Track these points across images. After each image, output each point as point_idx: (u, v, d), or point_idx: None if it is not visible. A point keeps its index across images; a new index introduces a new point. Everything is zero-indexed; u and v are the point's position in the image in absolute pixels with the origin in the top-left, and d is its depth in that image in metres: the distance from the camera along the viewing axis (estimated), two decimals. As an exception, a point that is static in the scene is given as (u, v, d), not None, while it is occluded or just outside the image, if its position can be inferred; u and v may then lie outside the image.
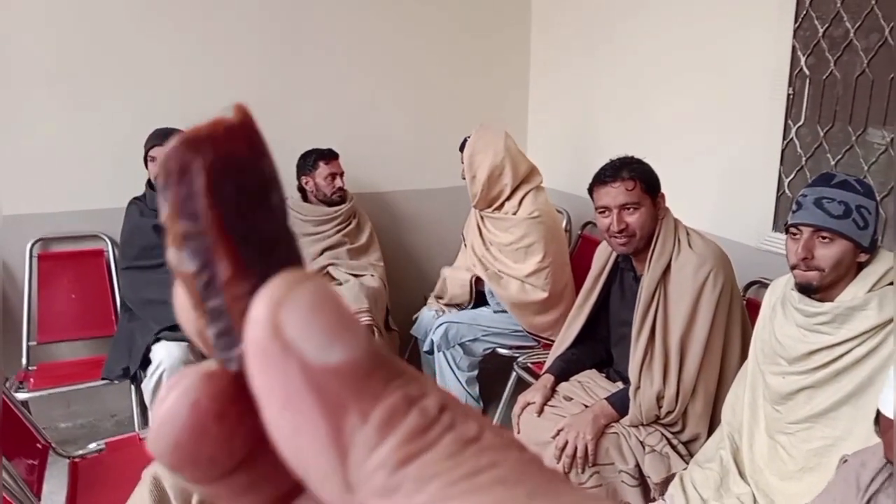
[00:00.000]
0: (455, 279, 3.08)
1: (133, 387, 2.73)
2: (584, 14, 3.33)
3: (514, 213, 2.91)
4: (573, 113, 3.48)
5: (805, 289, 1.68)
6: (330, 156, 3.09)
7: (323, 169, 3.07)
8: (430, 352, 2.98)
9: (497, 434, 0.18)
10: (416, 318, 3.15)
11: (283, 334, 0.18)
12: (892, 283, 1.65)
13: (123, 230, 2.90)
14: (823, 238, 1.61)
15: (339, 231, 3.14)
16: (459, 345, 2.90)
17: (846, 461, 1.40)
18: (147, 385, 2.62)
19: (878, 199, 2.11)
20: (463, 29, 3.59)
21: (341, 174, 3.12)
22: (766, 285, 2.34)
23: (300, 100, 3.31)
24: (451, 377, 2.91)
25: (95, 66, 2.92)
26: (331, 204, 3.12)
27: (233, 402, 0.20)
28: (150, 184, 2.89)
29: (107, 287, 3.01)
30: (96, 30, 2.90)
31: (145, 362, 2.64)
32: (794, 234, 1.66)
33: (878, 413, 1.19)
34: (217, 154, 0.21)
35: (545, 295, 2.87)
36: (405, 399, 0.18)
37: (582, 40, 3.36)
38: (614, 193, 2.07)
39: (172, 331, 2.68)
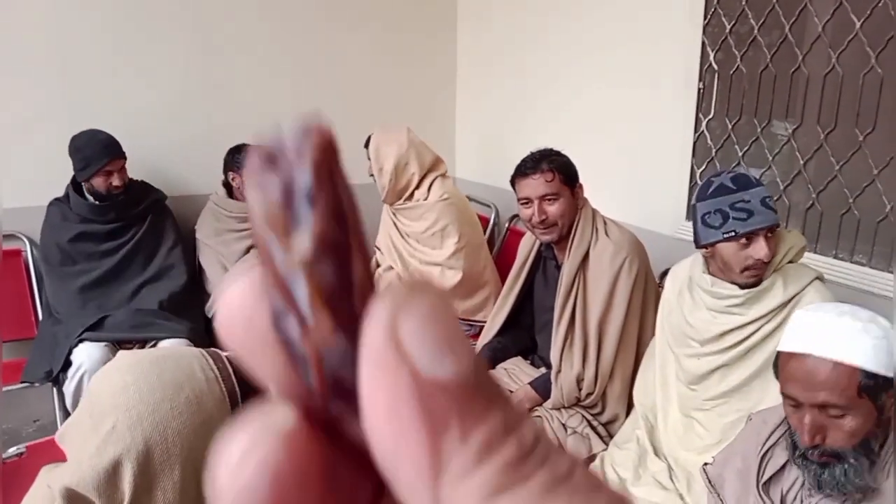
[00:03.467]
0: None
1: (55, 390, 2.66)
2: (508, 12, 3.39)
3: (425, 199, 2.95)
4: (499, 109, 3.54)
5: (754, 285, 1.73)
6: None
7: (236, 170, 3.04)
8: None
9: (587, 474, 0.18)
10: None
11: (400, 340, 0.18)
12: (791, 262, 1.75)
13: (44, 233, 2.83)
14: (770, 234, 1.69)
15: None
16: None
17: (751, 419, 1.48)
18: (68, 387, 2.57)
19: (783, 187, 2.24)
20: (390, 26, 3.62)
21: None
22: (681, 272, 2.44)
23: (224, 95, 3.29)
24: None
25: (12, 60, 2.84)
26: None
27: (316, 466, 0.19)
28: (74, 186, 2.82)
29: (26, 288, 2.92)
30: (18, 23, 2.83)
31: (66, 364, 2.59)
32: (746, 241, 1.68)
33: (777, 355, 1.27)
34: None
35: (460, 275, 2.91)
36: (505, 425, 0.18)
37: (506, 38, 3.43)
38: (534, 185, 2.13)
39: (94, 333, 2.64)
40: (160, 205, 3.02)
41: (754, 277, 1.71)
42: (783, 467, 1.35)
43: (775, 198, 2.26)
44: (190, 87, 3.21)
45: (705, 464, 1.53)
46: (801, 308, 1.66)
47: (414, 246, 3.01)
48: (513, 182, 2.21)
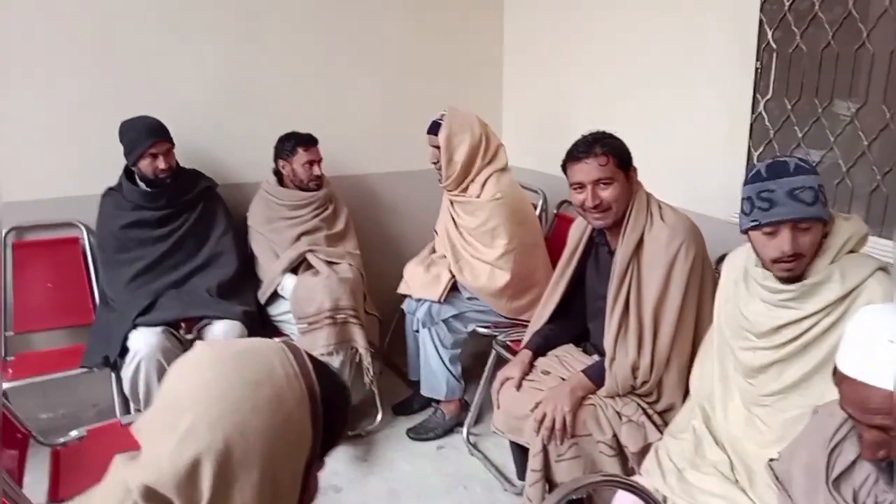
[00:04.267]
0: (415, 276, 3.11)
1: (113, 375, 2.73)
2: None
3: (478, 197, 2.91)
4: (546, 93, 3.50)
5: (792, 280, 1.66)
6: (309, 142, 3.08)
7: (302, 155, 3.06)
8: (419, 330, 3.01)
9: None
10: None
11: None
12: (851, 252, 1.67)
13: (99, 222, 2.90)
14: (803, 228, 1.60)
15: (315, 216, 3.14)
16: (443, 321, 2.92)
17: (817, 412, 1.44)
18: (126, 373, 2.62)
19: (845, 169, 2.16)
20: (437, 12, 3.60)
21: (319, 161, 3.11)
22: (737, 257, 2.38)
23: (275, 83, 3.32)
24: (434, 355, 2.94)
25: (66, 53, 2.89)
26: (307, 190, 3.12)
27: None
28: (127, 174, 2.87)
29: (83, 275, 2.99)
30: (67, 19, 2.87)
31: (123, 350, 2.64)
32: (771, 232, 1.63)
33: (835, 366, 1.22)
34: None
35: (508, 277, 2.88)
36: None
37: (553, 21, 3.38)
38: (588, 169, 2.09)
39: (146, 316, 2.69)
40: (211, 192, 3.06)
41: (786, 272, 1.64)
42: (853, 463, 1.30)
43: (836, 181, 2.20)
44: (239, 77, 3.24)
45: (771, 459, 1.48)
46: (863, 300, 1.60)
47: (467, 240, 2.99)
48: (564, 167, 2.17)
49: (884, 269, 1.63)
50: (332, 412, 0.89)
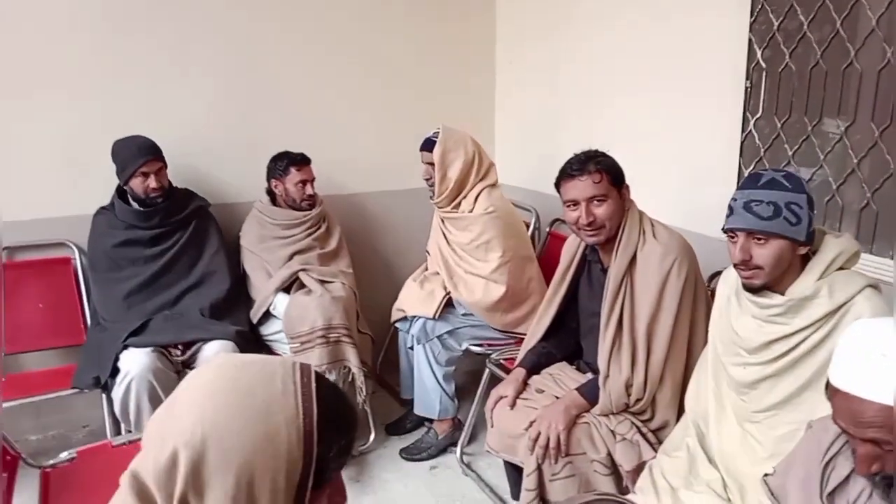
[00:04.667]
0: (409, 293, 3.10)
1: (104, 396, 2.70)
2: (546, 12, 3.37)
3: (470, 211, 2.93)
4: (539, 113, 3.52)
5: (750, 288, 1.71)
6: (302, 161, 3.08)
7: (294, 175, 3.07)
8: (413, 347, 3.00)
9: None
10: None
11: None
12: (840, 269, 1.68)
13: (91, 241, 2.89)
14: (759, 240, 1.64)
15: (308, 235, 3.13)
16: (437, 338, 2.92)
17: (811, 427, 1.43)
18: (116, 393, 2.60)
19: (835, 186, 2.18)
20: (429, 32, 3.62)
21: (312, 181, 3.11)
22: (729, 275, 2.38)
23: (267, 102, 3.32)
24: (428, 372, 2.92)
25: (61, 74, 2.90)
26: (300, 209, 3.12)
27: None
28: (119, 193, 2.87)
29: (75, 295, 2.97)
30: (62, 40, 2.88)
31: (115, 371, 2.62)
32: (732, 238, 1.70)
33: (828, 381, 1.23)
34: None
35: (503, 290, 2.88)
36: None
37: (545, 42, 3.41)
38: (582, 187, 2.10)
39: (138, 337, 2.68)
40: (204, 211, 3.06)
41: (745, 279, 1.70)
42: (848, 477, 1.30)
43: (826, 198, 2.21)
44: (232, 97, 3.24)
45: (766, 475, 1.48)
46: (852, 316, 1.61)
47: (460, 255, 2.99)
48: (558, 184, 2.18)
49: (873, 286, 1.64)
50: (330, 436, 0.87)
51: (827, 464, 1.32)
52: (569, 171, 2.13)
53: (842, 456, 1.32)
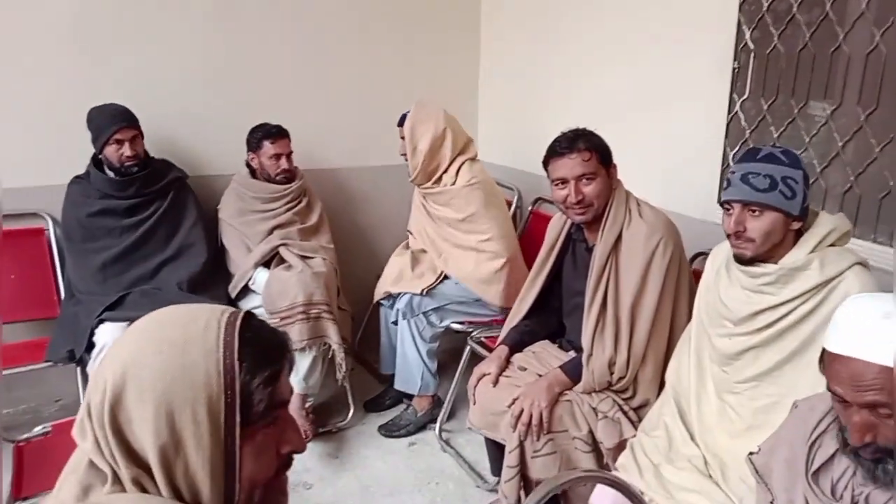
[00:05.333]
0: (395, 271, 3.09)
1: (79, 370, 2.66)
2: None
3: (453, 184, 2.92)
4: (522, 90, 3.50)
5: (740, 259, 1.74)
6: (277, 134, 3.02)
7: (268, 148, 3.01)
8: (397, 322, 2.98)
9: None
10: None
11: None
12: (832, 245, 1.71)
13: (65, 211, 2.82)
14: (753, 211, 1.67)
15: (289, 209, 3.09)
16: (423, 314, 2.90)
17: (797, 406, 1.45)
18: (91, 367, 2.55)
19: (819, 169, 2.19)
20: (414, 7, 3.57)
21: (288, 154, 3.06)
22: (711, 256, 2.40)
23: (248, 74, 3.26)
24: (412, 348, 2.91)
25: (35, 41, 2.81)
26: (278, 183, 3.07)
27: None
28: (95, 162, 2.81)
29: (48, 267, 2.91)
30: (35, 6, 2.79)
31: (90, 345, 2.57)
32: (728, 210, 1.72)
33: (823, 351, 1.24)
34: None
35: (503, 260, 2.89)
36: None
37: (530, 16, 3.38)
38: (571, 165, 2.09)
39: (114, 311, 2.63)
40: (182, 182, 3.01)
41: (737, 249, 1.73)
42: (833, 456, 1.31)
43: (811, 181, 2.22)
44: (212, 69, 3.18)
45: (751, 453, 1.50)
46: (840, 292, 1.64)
47: (446, 231, 2.98)
48: (546, 163, 2.17)
49: (862, 263, 1.67)
50: (252, 367, 0.87)
51: (813, 443, 1.33)
52: (557, 150, 2.12)
53: (827, 435, 1.33)
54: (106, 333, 2.56)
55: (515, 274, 2.92)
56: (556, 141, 2.16)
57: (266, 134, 3.01)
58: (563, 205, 2.15)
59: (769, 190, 1.64)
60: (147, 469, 0.84)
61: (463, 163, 2.93)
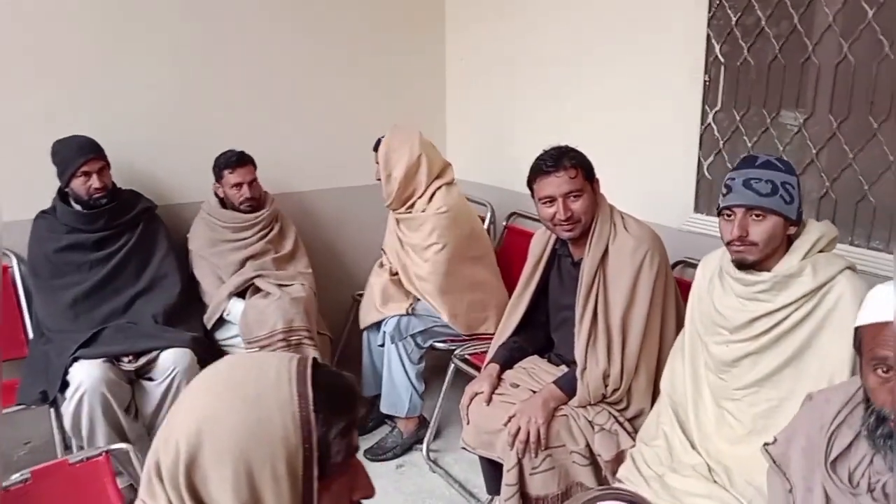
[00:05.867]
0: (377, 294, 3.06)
1: (52, 411, 2.55)
2: (498, 6, 3.37)
3: (423, 211, 2.91)
4: (491, 106, 3.52)
5: (742, 264, 1.77)
6: (237, 163, 2.93)
7: (228, 177, 2.95)
8: (383, 344, 2.95)
9: None
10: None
11: None
12: (821, 251, 1.76)
13: (31, 247, 2.72)
14: (756, 216, 1.71)
15: (261, 238, 3.03)
16: (411, 336, 2.88)
17: (812, 398, 1.48)
18: (67, 408, 2.45)
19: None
20: (379, 26, 3.56)
21: (251, 182, 2.97)
22: (690, 264, 2.46)
23: (214, 99, 3.20)
24: (400, 371, 2.89)
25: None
26: (244, 212, 3.00)
27: None
28: (61, 196, 2.72)
29: (14, 306, 2.79)
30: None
31: (64, 385, 2.48)
32: (728, 216, 1.75)
33: (857, 331, 1.27)
34: None
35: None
36: None
37: (498, 32, 3.40)
38: (558, 182, 2.11)
39: (89, 348, 2.55)
40: (151, 213, 2.93)
41: (736, 254, 1.76)
42: (850, 445, 1.35)
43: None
44: (177, 94, 3.11)
45: (766, 444, 1.52)
46: (833, 296, 1.69)
47: (411, 257, 2.97)
48: (531, 181, 2.18)
49: (851, 268, 1.73)
50: (328, 418, 0.86)
51: (832, 433, 1.37)
52: (543, 168, 2.14)
53: (845, 425, 1.37)
54: (81, 372, 2.46)
55: (476, 302, 2.95)
56: (540, 159, 2.17)
57: (226, 163, 2.94)
58: (551, 222, 2.17)
59: (771, 195, 1.69)
60: None
61: (438, 188, 2.91)
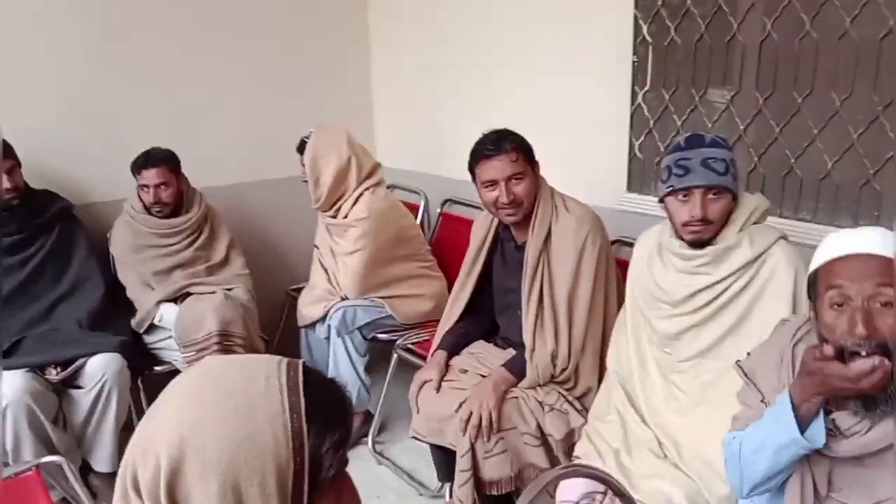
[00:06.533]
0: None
1: (-31, 427, 2.40)
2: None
3: (345, 217, 2.86)
4: (420, 93, 3.48)
5: (698, 244, 1.79)
6: (143, 165, 2.74)
7: (138, 180, 2.78)
8: (329, 337, 2.89)
9: None
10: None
11: None
12: (756, 223, 1.82)
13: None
14: (714, 195, 1.74)
15: (190, 244, 2.89)
16: (358, 329, 2.83)
17: (784, 323, 1.54)
18: (-9, 422, 2.32)
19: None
20: (300, 14, 3.47)
21: (159, 185, 2.76)
22: (626, 243, 2.50)
23: (130, 91, 3.06)
24: (347, 365, 2.83)
25: None
26: (157, 216, 2.84)
27: None
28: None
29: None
30: None
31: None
32: (684, 197, 1.76)
33: (814, 273, 1.35)
34: None
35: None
36: None
37: (422, 18, 3.37)
38: (500, 166, 2.11)
39: (10, 359, 2.40)
40: (68, 213, 2.79)
41: (695, 234, 1.78)
42: None
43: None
44: (92, 88, 2.96)
45: (738, 361, 1.57)
46: (769, 265, 1.76)
47: (337, 263, 2.93)
48: (472, 166, 2.17)
49: (784, 237, 1.80)
50: (320, 430, 0.80)
51: (795, 345, 1.43)
52: (484, 152, 2.13)
53: (802, 343, 1.43)
54: (2, 383, 2.32)
55: (388, 281, 2.94)
56: (480, 143, 2.16)
57: (133, 166, 2.76)
58: (494, 206, 2.16)
59: (726, 173, 1.73)
60: None
61: (364, 192, 2.85)
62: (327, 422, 0.81)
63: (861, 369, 1.19)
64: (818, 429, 1.30)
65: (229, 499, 0.74)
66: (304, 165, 2.85)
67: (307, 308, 2.98)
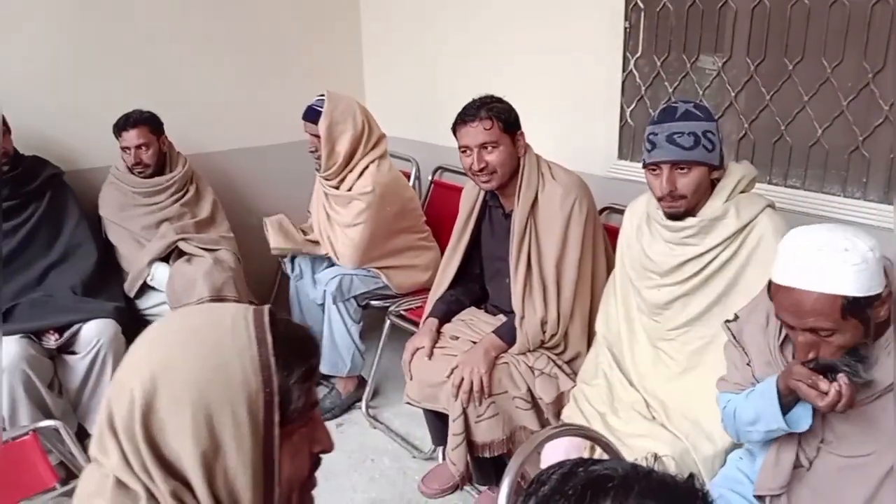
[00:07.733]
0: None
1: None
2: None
3: (349, 190, 2.84)
4: (411, 59, 3.46)
5: (674, 217, 1.82)
6: (123, 127, 2.77)
7: (119, 142, 2.81)
8: (323, 304, 2.89)
9: None
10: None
11: None
12: (743, 192, 1.83)
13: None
14: (682, 169, 1.75)
15: (175, 201, 2.92)
16: (354, 297, 2.85)
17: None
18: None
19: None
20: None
21: (140, 146, 2.78)
22: (617, 210, 2.51)
23: (117, 56, 3.03)
24: (342, 331, 2.85)
25: None
26: (153, 175, 2.87)
27: None
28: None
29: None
30: None
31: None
32: (654, 171, 1.78)
33: (769, 282, 1.38)
34: None
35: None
36: None
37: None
38: (473, 133, 2.12)
39: (5, 325, 2.41)
40: (59, 179, 2.78)
41: (668, 208, 1.80)
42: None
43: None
44: (80, 53, 2.93)
45: (727, 320, 1.60)
46: (756, 234, 1.78)
47: (336, 233, 2.91)
48: (454, 129, 2.18)
49: (771, 206, 1.80)
50: (289, 362, 0.84)
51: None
52: (462, 117, 2.15)
53: None
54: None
55: (388, 253, 2.94)
56: (464, 108, 2.18)
57: (114, 128, 2.78)
58: (470, 171, 2.18)
59: (694, 147, 1.72)
60: (184, 480, 0.79)
61: (370, 163, 2.81)
62: (294, 355, 0.85)
63: (825, 391, 1.30)
64: (804, 412, 1.40)
65: (202, 428, 0.78)
66: (313, 135, 2.78)
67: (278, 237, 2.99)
